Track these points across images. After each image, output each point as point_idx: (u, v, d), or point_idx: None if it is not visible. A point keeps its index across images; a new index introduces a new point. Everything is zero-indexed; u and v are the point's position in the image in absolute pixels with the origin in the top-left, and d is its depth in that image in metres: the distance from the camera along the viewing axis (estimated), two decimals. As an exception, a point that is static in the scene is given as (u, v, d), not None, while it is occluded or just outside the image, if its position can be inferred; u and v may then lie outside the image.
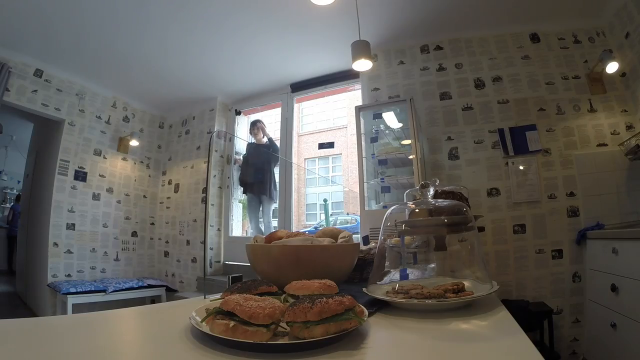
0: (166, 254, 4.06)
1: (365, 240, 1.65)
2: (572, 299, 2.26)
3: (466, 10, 2.55)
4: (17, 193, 6.46)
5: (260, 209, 3.68)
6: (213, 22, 2.64)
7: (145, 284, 3.48)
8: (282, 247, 0.85)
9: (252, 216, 3.74)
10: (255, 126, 3.80)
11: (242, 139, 4.01)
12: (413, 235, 1.07)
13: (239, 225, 4.02)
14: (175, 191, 4.11)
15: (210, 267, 3.63)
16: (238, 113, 3.99)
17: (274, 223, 3.70)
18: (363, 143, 2.46)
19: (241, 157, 3.93)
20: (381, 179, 2.49)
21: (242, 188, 3.83)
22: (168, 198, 4.19)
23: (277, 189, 3.62)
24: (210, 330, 0.50)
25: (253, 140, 3.82)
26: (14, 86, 3.01)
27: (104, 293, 3.11)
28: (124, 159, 3.97)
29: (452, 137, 2.67)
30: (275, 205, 3.69)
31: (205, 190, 3.73)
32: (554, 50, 2.62)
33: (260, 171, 3.62)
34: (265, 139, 3.80)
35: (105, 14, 2.51)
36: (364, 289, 0.78)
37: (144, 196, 4.16)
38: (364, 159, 2.45)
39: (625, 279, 1.68)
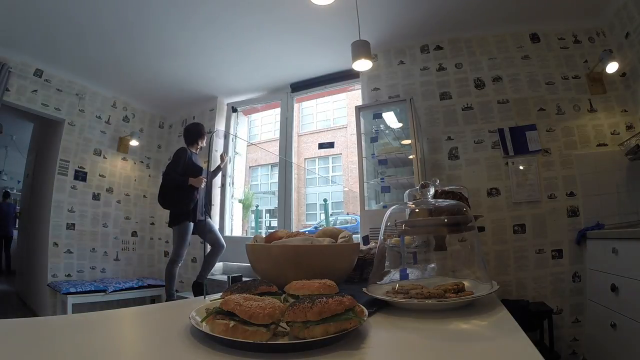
0: (166, 254, 4.06)
1: (365, 240, 1.65)
2: (572, 299, 2.26)
3: (466, 10, 2.55)
4: (5, 190, 6.40)
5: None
6: (213, 22, 2.64)
7: (145, 284, 3.48)
8: (282, 247, 0.85)
9: (185, 250, 2.90)
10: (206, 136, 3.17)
11: (243, 139, 4.01)
12: (413, 235, 1.07)
13: (239, 225, 4.02)
14: (175, 191, 4.11)
15: (210, 267, 3.63)
16: (234, 110, 3.96)
17: (273, 222, 3.61)
18: (363, 143, 2.46)
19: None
20: (381, 179, 2.49)
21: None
22: (168, 198, 4.18)
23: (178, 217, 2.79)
24: (210, 330, 0.50)
25: (195, 151, 3.08)
26: (14, 86, 3.00)
27: (104, 293, 3.11)
28: (124, 158, 3.97)
29: (452, 137, 2.67)
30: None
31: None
32: (554, 50, 2.61)
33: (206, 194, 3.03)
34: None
35: (105, 13, 2.51)
36: (364, 289, 0.78)
37: (144, 196, 4.16)
38: (364, 159, 2.45)
39: (625, 279, 1.68)
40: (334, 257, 0.86)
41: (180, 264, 2.89)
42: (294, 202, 3.64)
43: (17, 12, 2.48)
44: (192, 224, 2.85)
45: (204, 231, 2.97)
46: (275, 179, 3.65)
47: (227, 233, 3.79)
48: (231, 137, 3.94)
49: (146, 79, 3.56)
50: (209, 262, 3.00)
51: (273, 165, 9.24)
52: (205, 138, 3.13)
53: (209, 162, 3.64)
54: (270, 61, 3.21)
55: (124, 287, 3.27)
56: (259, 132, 9.27)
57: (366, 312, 0.57)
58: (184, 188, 2.80)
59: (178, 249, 2.85)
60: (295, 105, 3.77)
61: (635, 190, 2.25)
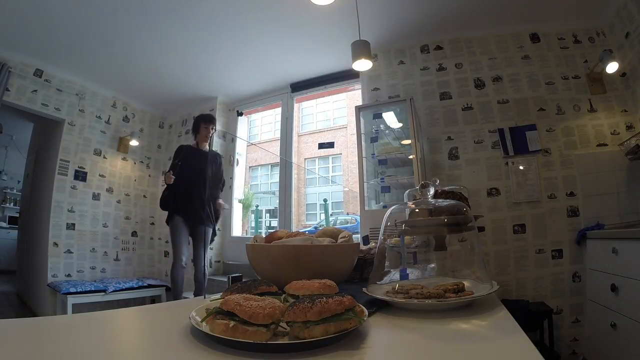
0: (166, 254, 4.06)
1: (365, 240, 1.65)
2: (572, 299, 2.26)
3: (466, 10, 2.54)
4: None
5: (189, 241, 2.86)
6: (213, 22, 2.64)
7: (145, 284, 3.48)
8: (282, 247, 0.85)
9: (182, 248, 2.77)
10: (213, 124, 2.95)
11: (243, 139, 4.00)
12: (413, 235, 1.07)
13: (239, 225, 4.02)
14: (175, 191, 4.11)
15: (210, 267, 3.63)
16: (240, 114, 3.96)
17: (274, 222, 3.58)
18: (363, 143, 2.46)
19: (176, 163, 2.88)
20: (381, 179, 2.49)
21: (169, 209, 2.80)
22: (168, 198, 4.18)
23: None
24: (210, 330, 0.50)
25: (192, 143, 3.02)
26: (14, 86, 3.00)
27: (104, 293, 3.11)
28: (124, 158, 3.97)
29: (452, 137, 2.67)
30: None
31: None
32: (554, 50, 2.61)
33: (203, 189, 2.83)
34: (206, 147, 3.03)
35: (105, 13, 2.51)
36: (364, 289, 0.78)
37: (144, 196, 4.16)
38: (364, 159, 2.45)
39: (625, 279, 1.68)
40: (334, 257, 0.86)
41: (183, 265, 2.74)
42: (294, 202, 3.64)
43: (17, 12, 2.48)
44: (179, 221, 2.76)
45: (196, 236, 2.85)
46: (275, 179, 3.65)
47: (229, 233, 3.80)
48: (236, 139, 3.93)
49: (146, 79, 3.56)
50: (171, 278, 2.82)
51: (273, 165, 9.24)
52: (206, 123, 2.94)
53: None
54: (270, 61, 3.21)
55: (124, 287, 3.26)
56: (259, 132, 9.27)
57: (366, 312, 0.57)
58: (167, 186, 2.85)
59: (174, 249, 2.77)
60: (295, 105, 3.77)
61: (635, 190, 2.25)
